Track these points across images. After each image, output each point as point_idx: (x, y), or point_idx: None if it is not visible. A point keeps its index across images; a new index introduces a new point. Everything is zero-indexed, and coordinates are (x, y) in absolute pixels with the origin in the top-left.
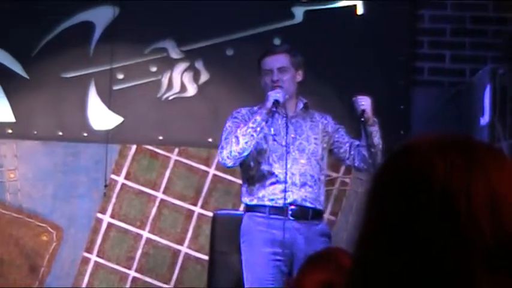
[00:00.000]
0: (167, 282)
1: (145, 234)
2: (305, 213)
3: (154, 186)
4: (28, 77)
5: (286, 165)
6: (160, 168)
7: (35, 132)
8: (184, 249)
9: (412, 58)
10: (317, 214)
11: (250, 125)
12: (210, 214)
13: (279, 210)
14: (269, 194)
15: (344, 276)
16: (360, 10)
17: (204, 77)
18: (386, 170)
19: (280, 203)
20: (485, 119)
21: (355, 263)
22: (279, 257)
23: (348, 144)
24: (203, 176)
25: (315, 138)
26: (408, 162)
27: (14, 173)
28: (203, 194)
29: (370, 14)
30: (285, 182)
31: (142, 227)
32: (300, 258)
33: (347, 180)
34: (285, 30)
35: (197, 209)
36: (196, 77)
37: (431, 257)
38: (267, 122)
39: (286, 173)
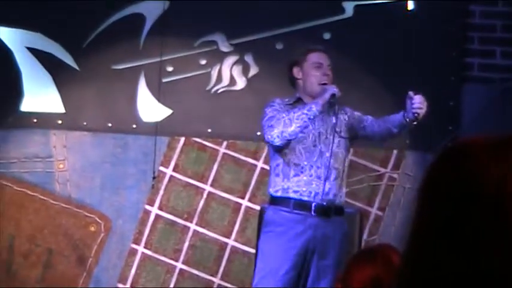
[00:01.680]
0: (214, 274)
1: (193, 226)
2: (328, 210)
3: (202, 179)
4: (78, 69)
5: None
6: (208, 161)
7: (85, 124)
8: (231, 242)
9: (462, 54)
10: (339, 210)
11: (305, 111)
12: (258, 207)
13: (303, 206)
14: (293, 186)
15: (392, 273)
16: (410, 5)
17: (253, 70)
18: (439, 170)
19: (305, 195)
20: None
21: (404, 261)
22: (297, 251)
23: (359, 121)
24: (251, 170)
25: (340, 132)
26: (461, 163)
27: (63, 164)
28: (251, 187)
29: (421, 10)
30: (310, 175)
31: (189, 219)
32: (317, 254)
33: (395, 175)
34: (335, 24)
35: (245, 202)
36: (245, 71)
37: (479, 260)
38: (321, 113)
39: (312, 166)
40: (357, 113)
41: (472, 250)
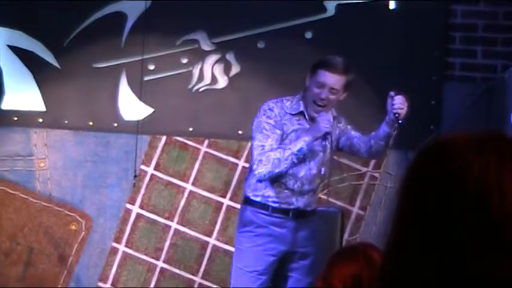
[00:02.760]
0: (195, 273)
1: (174, 225)
2: (305, 214)
3: (184, 178)
4: (60, 67)
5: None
6: (189, 160)
7: (66, 122)
8: (212, 241)
9: (443, 53)
10: (313, 212)
11: (295, 151)
12: (239, 206)
13: (281, 211)
14: (274, 196)
15: (373, 271)
16: (392, 5)
17: (235, 69)
18: (420, 167)
19: (284, 204)
20: None
21: (386, 258)
22: (275, 252)
23: (347, 138)
24: (232, 168)
25: (326, 146)
26: (442, 159)
27: (44, 162)
28: (232, 186)
29: (402, 9)
30: (292, 185)
31: (171, 218)
32: (297, 255)
33: (376, 175)
34: (317, 23)
35: (226, 201)
36: (227, 69)
37: (462, 255)
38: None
39: (293, 177)
40: (349, 128)
41: (454, 246)
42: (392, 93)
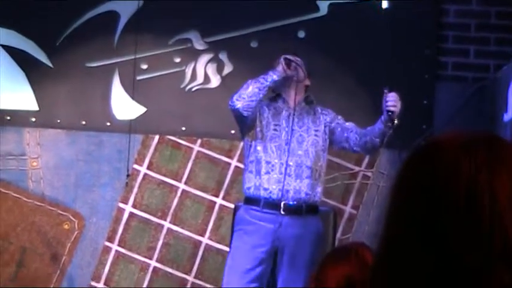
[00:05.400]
0: (188, 272)
1: (167, 224)
2: (299, 209)
3: (176, 177)
4: (52, 66)
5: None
6: (182, 159)
7: (59, 121)
8: (205, 240)
9: (436, 53)
10: (311, 209)
11: (263, 76)
12: (232, 206)
13: (272, 205)
14: (264, 183)
15: (365, 271)
16: (384, 4)
17: (227, 68)
18: (412, 167)
19: (275, 193)
20: (508, 115)
21: (378, 258)
22: (264, 249)
23: (342, 129)
24: (225, 168)
25: (316, 130)
26: (433, 160)
27: (36, 161)
28: (225, 185)
29: (395, 8)
30: (281, 172)
31: (163, 217)
32: (287, 253)
33: (369, 174)
34: (310, 23)
35: (219, 201)
36: (220, 69)
37: (453, 253)
38: (275, 83)
39: (282, 164)
40: (340, 119)
41: (445, 246)
42: (386, 90)
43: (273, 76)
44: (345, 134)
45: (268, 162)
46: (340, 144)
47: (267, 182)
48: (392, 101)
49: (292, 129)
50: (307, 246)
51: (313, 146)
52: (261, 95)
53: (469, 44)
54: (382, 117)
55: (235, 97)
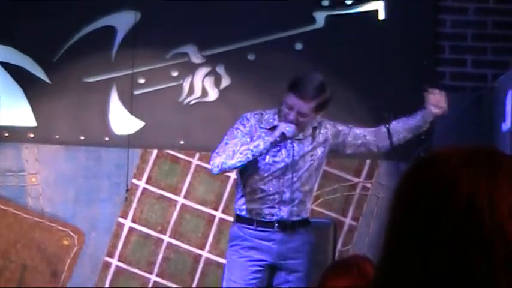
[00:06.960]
0: (188, 286)
1: (167, 238)
2: (291, 226)
3: (176, 191)
4: (50, 82)
5: (291, 181)
6: (181, 173)
7: (57, 137)
8: (205, 254)
9: (433, 63)
10: (303, 223)
11: (251, 147)
12: (231, 219)
13: (266, 224)
14: (257, 209)
15: (366, 284)
16: (381, 15)
17: (225, 81)
18: (412, 181)
19: (267, 218)
20: (506, 125)
21: (379, 270)
22: (261, 263)
23: (354, 137)
24: (224, 181)
25: (312, 155)
26: (434, 174)
27: (35, 177)
28: (224, 199)
29: (392, 19)
30: (274, 199)
31: (163, 231)
32: (284, 268)
33: (368, 185)
34: (307, 35)
35: (218, 214)
36: (217, 82)
37: (455, 266)
38: (267, 152)
39: (278, 192)
40: (345, 128)
41: (446, 259)
42: (430, 88)
43: (261, 147)
44: (359, 141)
45: (263, 190)
46: (357, 149)
47: (260, 207)
48: (435, 98)
49: (293, 160)
50: (303, 257)
51: (308, 171)
52: (244, 164)
53: (466, 54)
54: (424, 115)
55: (217, 162)
